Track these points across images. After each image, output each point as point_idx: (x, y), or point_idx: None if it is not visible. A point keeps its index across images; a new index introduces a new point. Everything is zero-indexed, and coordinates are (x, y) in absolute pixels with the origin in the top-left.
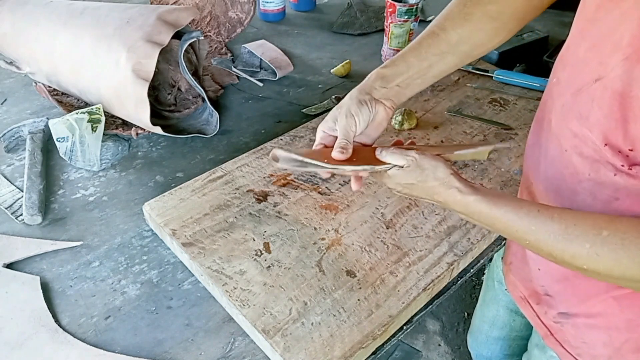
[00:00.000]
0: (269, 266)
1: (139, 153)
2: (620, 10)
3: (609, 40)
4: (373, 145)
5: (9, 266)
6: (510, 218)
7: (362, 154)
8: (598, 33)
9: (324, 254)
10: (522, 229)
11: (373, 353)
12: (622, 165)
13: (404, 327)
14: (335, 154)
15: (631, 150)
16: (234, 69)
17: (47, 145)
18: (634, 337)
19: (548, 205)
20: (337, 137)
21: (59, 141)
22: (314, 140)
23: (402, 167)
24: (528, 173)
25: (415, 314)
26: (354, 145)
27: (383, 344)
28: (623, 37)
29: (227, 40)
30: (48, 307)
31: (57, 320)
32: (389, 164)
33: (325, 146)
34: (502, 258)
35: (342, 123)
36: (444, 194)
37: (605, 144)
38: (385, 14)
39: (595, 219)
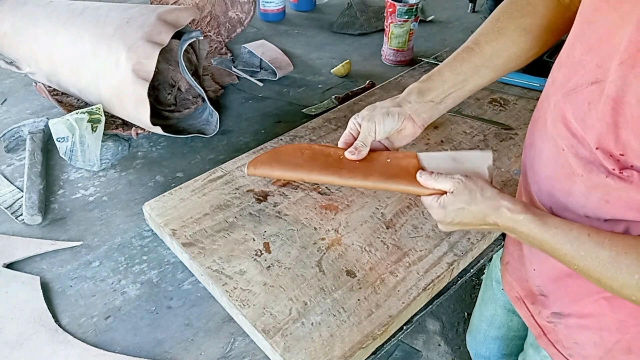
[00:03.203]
0: (269, 266)
1: (139, 153)
2: (617, 14)
3: (607, 44)
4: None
5: (9, 266)
6: (560, 241)
7: (378, 160)
8: (594, 35)
9: (324, 254)
10: (571, 253)
11: (373, 353)
12: (614, 169)
13: (404, 327)
14: (347, 153)
15: (622, 155)
16: (234, 69)
17: (47, 145)
18: (625, 338)
19: (599, 229)
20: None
21: (59, 141)
22: (314, 140)
23: (448, 192)
24: (525, 173)
25: (415, 314)
26: (373, 151)
27: (383, 344)
28: (621, 42)
29: (227, 40)
30: (48, 307)
31: (57, 320)
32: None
33: (353, 141)
34: (500, 258)
35: (364, 126)
36: (494, 214)
37: (597, 148)
38: (385, 14)
39: None
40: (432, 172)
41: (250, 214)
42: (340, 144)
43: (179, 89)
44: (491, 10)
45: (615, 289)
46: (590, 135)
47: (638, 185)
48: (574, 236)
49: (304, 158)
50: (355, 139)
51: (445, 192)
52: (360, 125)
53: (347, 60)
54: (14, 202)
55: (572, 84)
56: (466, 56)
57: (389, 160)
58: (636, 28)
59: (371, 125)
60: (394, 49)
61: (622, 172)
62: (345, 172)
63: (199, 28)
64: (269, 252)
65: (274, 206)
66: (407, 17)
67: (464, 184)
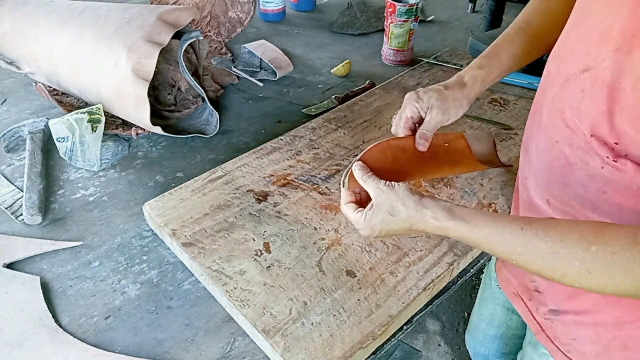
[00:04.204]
0: (269, 266)
1: (139, 153)
2: (606, 1)
3: (595, 31)
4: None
5: (9, 266)
6: (494, 240)
7: (437, 146)
8: (585, 24)
9: (324, 254)
10: (508, 250)
11: (373, 353)
12: (608, 157)
13: (404, 327)
14: (420, 146)
15: (616, 143)
16: (234, 69)
17: (47, 145)
18: (622, 335)
19: (531, 219)
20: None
21: (59, 141)
22: (314, 140)
23: (371, 205)
24: (523, 167)
25: (415, 314)
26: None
27: (383, 344)
28: (612, 28)
29: (227, 40)
30: (48, 307)
31: (57, 320)
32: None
33: (413, 127)
34: None
35: (438, 118)
36: (419, 222)
37: (592, 135)
38: (385, 14)
39: (581, 233)
40: (366, 172)
41: (250, 214)
42: (402, 130)
43: (179, 89)
44: (491, 11)
45: (557, 278)
46: (585, 123)
47: (632, 176)
48: (508, 233)
49: (389, 160)
50: (413, 122)
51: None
52: (422, 110)
53: (347, 60)
54: (14, 202)
55: (565, 73)
56: (522, 38)
57: (446, 144)
58: (630, 15)
59: (445, 117)
60: (394, 49)
61: (616, 161)
62: (425, 167)
63: (199, 28)
64: (269, 252)
65: (274, 206)
66: (407, 17)
67: (385, 194)
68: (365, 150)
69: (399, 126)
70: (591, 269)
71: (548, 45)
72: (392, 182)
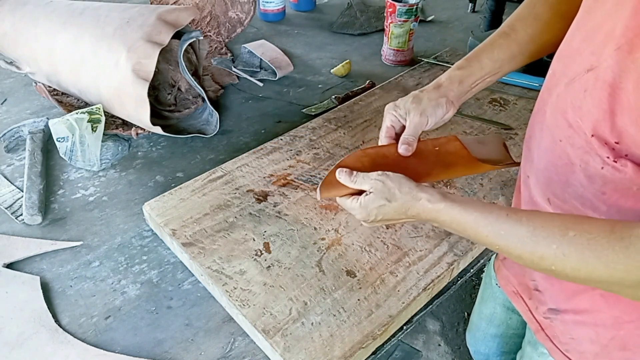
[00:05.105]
0: (269, 266)
1: (139, 153)
2: (614, 1)
3: (601, 31)
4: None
5: (9, 266)
6: (481, 224)
7: (427, 150)
8: (591, 23)
9: (324, 254)
10: (492, 234)
11: (373, 353)
12: (608, 157)
13: (404, 327)
14: (402, 150)
15: (617, 143)
16: (234, 69)
17: (47, 145)
18: (620, 335)
19: (518, 209)
20: (402, 126)
21: (59, 141)
22: (314, 140)
23: (368, 192)
24: (525, 166)
25: (415, 314)
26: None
27: (383, 344)
28: (615, 28)
29: (227, 40)
30: (48, 307)
31: (57, 320)
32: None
33: (395, 134)
34: (496, 254)
35: (415, 120)
36: (414, 206)
37: (592, 135)
38: (385, 14)
39: (562, 220)
40: (352, 173)
41: (250, 214)
42: (384, 140)
43: (179, 89)
44: (491, 11)
45: (536, 262)
46: (586, 123)
47: (632, 177)
48: (494, 218)
49: (366, 167)
50: (396, 131)
51: (364, 191)
52: (401, 117)
53: (347, 60)
54: (14, 202)
55: (571, 73)
56: (503, 42)
57: (437, 148)
58: (632, 13)
59: (424, 119)
60: (394, 49)
61: (616, 162)
62: (410, 172)
63: (199, 28)
64: (269, 252)
65: (274, 206)
66: (407, 17)
67: (382, 182)
68: (340, 161)
69: (381, 137)
70: (566, 252)
71: (532, 52)
72: (385, 172)
